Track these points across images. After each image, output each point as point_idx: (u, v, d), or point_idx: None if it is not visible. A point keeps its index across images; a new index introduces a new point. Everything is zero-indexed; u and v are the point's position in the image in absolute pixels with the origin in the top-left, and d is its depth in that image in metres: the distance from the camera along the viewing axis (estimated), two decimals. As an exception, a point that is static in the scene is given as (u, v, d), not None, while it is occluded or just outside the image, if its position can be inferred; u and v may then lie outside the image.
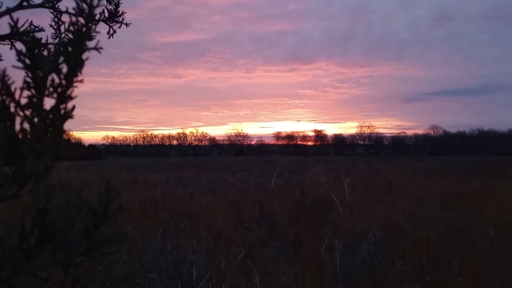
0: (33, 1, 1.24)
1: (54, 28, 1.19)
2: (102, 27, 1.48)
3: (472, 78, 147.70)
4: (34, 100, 0.30)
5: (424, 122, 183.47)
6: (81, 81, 0.32)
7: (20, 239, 0.29)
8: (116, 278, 4.17)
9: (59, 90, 0.31)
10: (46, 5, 1.25)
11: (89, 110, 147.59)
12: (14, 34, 1.11)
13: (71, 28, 0.31)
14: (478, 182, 12.67)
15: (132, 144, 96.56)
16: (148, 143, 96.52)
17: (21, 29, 1.13)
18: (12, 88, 0.30)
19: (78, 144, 64.17)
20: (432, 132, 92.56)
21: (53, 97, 0.31)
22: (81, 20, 0.30)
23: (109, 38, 1.49)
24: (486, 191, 9.98)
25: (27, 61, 0.29)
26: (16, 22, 0.36)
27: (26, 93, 0.31)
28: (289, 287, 3.94)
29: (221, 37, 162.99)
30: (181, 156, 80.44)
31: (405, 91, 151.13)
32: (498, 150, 74.12)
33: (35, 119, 0.30)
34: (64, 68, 0.31)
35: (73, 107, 0.32)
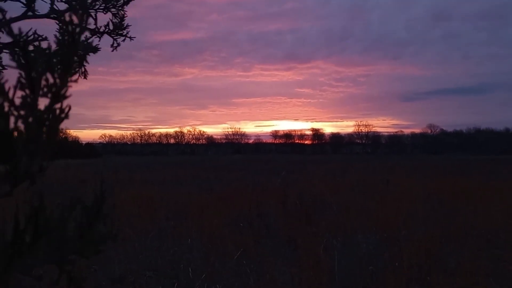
0: (38, 12, 1.22)
1: (58, 39, 1.19)
2: (107, 41, 1.47)
3: (469, 77, 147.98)
4: (28, 100, 0.30)
5: (421, 121, 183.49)
6: (76, 80, 0.32)
7: (13, 236, 0.29)
8: (113, 277, 4.16)
9: (53, 89, 0.31)
10: (52, 15, 1.23)
11: (86, 109, 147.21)
12: (17, 43, 1.11)
13: (65, 28, 0.31)
14: (474, 181, 12.72)
15: (129, 143, 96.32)
16: (145, 142, 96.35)
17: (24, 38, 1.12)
18: (6, 86, 0.30)
19: (75, 142, 63.92)
20: (429, 131, 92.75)
21: (47, 97, 0.31)
22: (75, 20, 0.30)
23: (112, 51, 1.48)
24: (482, 190, 10.01)
25: (21, 60, 0.29)
26: (20, 33, 0.35)
27: (20, 92, 0.31)
28: (285, 286, 3.94)
29: (219, 36, 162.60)
30: (179, 155, 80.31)
31: (402, 90, 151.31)
32: (494, 149, 74.33)
33: (30, 119, 0.30)
34: (59, 68, 0.31)
35: (69, 107, 0.32)
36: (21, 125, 0.30)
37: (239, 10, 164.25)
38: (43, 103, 0.32)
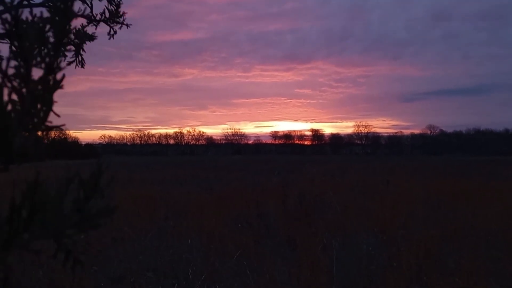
0: (33, 0, 1.23)
1: (50, 9, 1.19)
2: (103, 28, 1.46)
3: (469, 78, 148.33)
4: (22, 70, 0.30)
5: (421, 122, 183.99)
6: (69, 49, 0.31)
7: (9, 212, 0.29)
8: (112, 277, 4.16)
9: (47, 60, 0.31)
10: (47, 4, 1.24)
11: (86, 109, 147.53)
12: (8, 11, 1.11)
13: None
14: (474, 182, 12.72)
15: (129, 143, 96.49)
16: (145, 142, 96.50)
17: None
18: (-1, 58, 0.29)
19: (75, 143, 63.97)
20: (428, 132, 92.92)
21: (41, 68, 0.31)
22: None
23: (109, 38, 1.47)
24: (482, 191, 10.01)
25: (13, 30, 0.29)
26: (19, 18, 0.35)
27: (13, 63, 0.30)
28: (284, 286, 3.93)
29: (218, 36, 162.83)
30: (178, 155, 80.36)
31: (402, 91, 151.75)
32: (494, 150, 74.46)
33: (23, 90, 0.30)
34: (51, 38, 0.31)
35: (63, 77, 0.31)
36: (15, 97, 0.30)
37: (239, 10, 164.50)
38: (37, 74, 0.31)
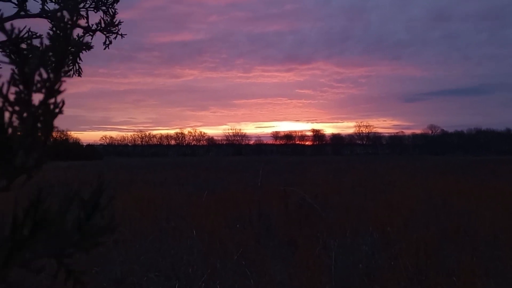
0: (30, 11, 1.25)
1: (50, 35, 1.21)
2: (99, 38, 1.48)
3: (470, 78, 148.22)
4: (22, 95, 0.31)
5: (422, 122, 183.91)
6: (70, 75, 0.33)
7: (12, 229, 0.30)
8: (114, 278, 4.17)
9: (47, 84, 0.32)
10: (44, 15, 1.26)
11: (87, 110, 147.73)
12: (11, 42, 1.12)
13: (58, 24, 0.32)
14: (475, 182, 12.71)
15: (130, 144, 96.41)
16: (146, 143, 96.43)
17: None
18: (0, 82, 0.30)
19: (76, 144, 63.95)
20: (430, 132, 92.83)
21: (41, 92, 0.32)
22: (66, 14, 0.31)
23: (105, 48, 1.49)
24: (483, 191, 10.01)
25: (13, 56, 0.30)
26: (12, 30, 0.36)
27: (14, 88, 0.31)
28: (284, 287, 3.94)
29: (219, 37, 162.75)
30: (179, 156, 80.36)
31: (403, 91, 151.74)
32: (495, 150, 74.37)
33: (24, 114, 0.31)
34: (52, 63, 0.32)
35: (63, 102, 0.32)
36: (15, 121, 0.31)
37: (239, 11, 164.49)
38: (37, 98, 0.32)
